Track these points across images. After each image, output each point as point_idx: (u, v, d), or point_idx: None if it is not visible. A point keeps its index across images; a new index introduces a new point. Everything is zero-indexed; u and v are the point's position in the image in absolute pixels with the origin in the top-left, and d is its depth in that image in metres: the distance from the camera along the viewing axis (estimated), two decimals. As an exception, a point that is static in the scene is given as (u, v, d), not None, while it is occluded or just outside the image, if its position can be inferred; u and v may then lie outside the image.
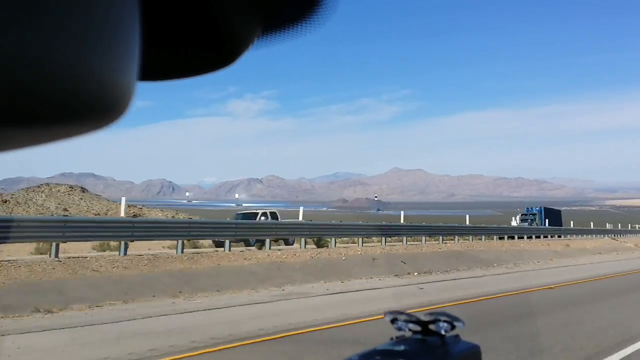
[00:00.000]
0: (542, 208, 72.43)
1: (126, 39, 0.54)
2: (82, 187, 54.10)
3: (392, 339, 1.32)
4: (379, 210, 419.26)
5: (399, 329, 1.37)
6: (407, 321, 1.36)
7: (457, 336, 1.34)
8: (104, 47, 0.51)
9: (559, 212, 77.38)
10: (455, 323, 1.32)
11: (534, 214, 68.96)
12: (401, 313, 1.38)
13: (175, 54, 0.73)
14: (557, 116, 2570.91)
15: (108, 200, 53.72)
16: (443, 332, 1.42)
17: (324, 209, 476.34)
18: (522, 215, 69.52)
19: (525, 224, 63.74)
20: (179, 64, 0.76)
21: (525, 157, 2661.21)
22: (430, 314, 1.35)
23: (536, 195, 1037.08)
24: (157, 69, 0.68)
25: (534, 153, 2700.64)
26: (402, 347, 1.33)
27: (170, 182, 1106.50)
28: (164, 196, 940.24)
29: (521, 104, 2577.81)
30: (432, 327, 1.31)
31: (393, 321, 1.38)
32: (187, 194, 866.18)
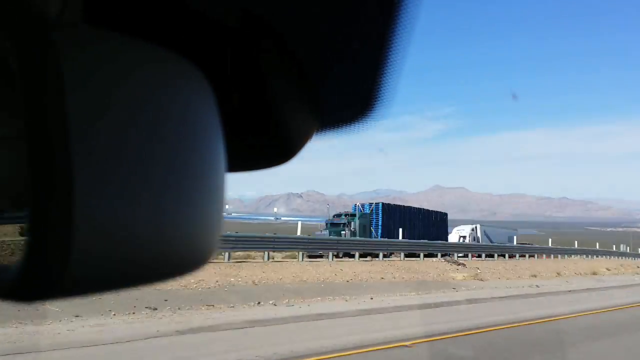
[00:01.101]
0: (380, 205, 47.79)
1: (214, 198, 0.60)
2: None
3: None
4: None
5: None
6: None
7: None
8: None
9: (431, 215, 55.04)
10: None
11: (353, 215, 43.85)
12: None
13: (243, 152, 0.76)
14: (605, 136, 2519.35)
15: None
16: None
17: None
18: (334, 217, 44.61)
19: (330, 234, 39.65)
20: (245, 159, 0.80)
21: (570, 177, 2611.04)
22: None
23: (581, 216, 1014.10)
24: (230, 163, 0.69)
25: (580, 173, 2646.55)
26: None
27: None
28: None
29: (568, 123, 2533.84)
30: None
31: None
32: (227, 206, 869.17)
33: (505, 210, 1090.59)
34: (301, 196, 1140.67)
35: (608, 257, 64.35)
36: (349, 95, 0.85)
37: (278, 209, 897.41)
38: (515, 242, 58.10)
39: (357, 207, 47.24)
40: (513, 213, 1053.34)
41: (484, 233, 57.65)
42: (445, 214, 57.39)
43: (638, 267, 48.91)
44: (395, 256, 35.71)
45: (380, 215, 46.96)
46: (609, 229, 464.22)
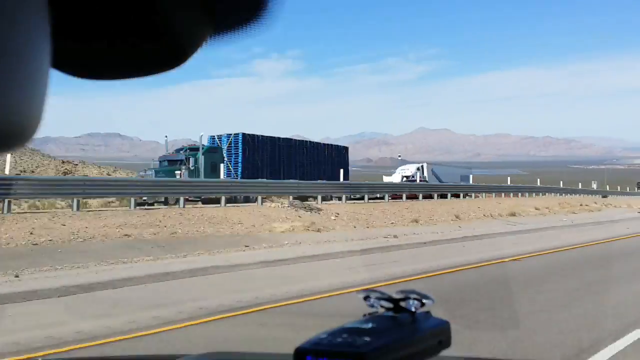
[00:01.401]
0: (241, 136, 40.40)
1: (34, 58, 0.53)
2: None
3: (364, 315, 1.44)
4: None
5: (372, 306, 1.48)
6: (379, 298, 1.47)
7: (427, 312, 1.45)
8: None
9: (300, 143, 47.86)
10: (425, 300, 1.45)
11: (196, 150, 35.52)
12: (373, 291, 1.45)
13: (115, 50, 0.70)
14: (588, 74, 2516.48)
15: (42, 156, 52.03)
16: (413, 309, 1.41)
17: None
18: (174, 153, 38.09)
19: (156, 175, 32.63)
20: (121, 60, 0.72)
21: (554, 116, 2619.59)
22: (402, 291, 1.45)
23: (564, 154, 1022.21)
24: (93, 65, 0.68)
25: (563, 112, 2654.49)
26: (370, 325, 1.33)
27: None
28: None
29: (551, 62, 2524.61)
30: (402, 304, 1.44)
31: (366, 298, 1.48)
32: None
33: (489, 151, 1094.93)
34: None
35: (565, 194, 64.80)
36: None
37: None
38: (470, 182, 57.09)
39: (212, 140, 40.44)
40: (497, 153, 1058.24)
41: (433, 172, 55.86)
42: (345, 148, 52.26)
43: (581, 204, 45.30)
44: (273, 200, 29.29)
45: (240, 150, 39.72)
46: (591, 167, 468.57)
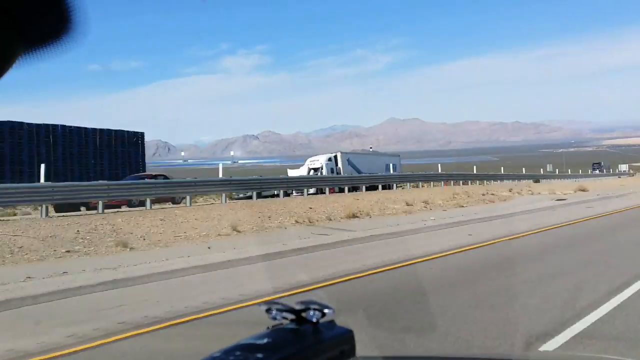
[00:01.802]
0: None
1: None
2: None
3: (267, 328, 1.50)
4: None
5: (274, 318, 1.50)
6: (280, 310, 1.50)
7: (331, 322, 1.48)
8: None
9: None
10: (326, 310, 1.48)
11: None
12: (275, 303, 1.48)
13: None
14: (553, 58, 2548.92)
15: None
16: (315, 320, 1.49)
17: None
18: None
19: None
20: None
21: (522, 100, 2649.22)
22: (302, 302, 1.48)
23: (533, 139, 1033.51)
24: None
25: (531, 96, 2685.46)
26: (267, 340, 1.35)
27: (166, 142, 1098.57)
28: (159, 157, 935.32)
29: (517, 48, 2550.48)
30: (304, 315, 1.51)
31: (268, 311, 1.51)
32: (183, 153, 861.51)
33: (459, 139, 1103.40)
34: (257, 137, 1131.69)
35: (497, 180, 64.94)
36: (44, 9, 0.83)
37: (234, 152, 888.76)
38: (398, 171, 55.55)
39: None
40: (468, 140, 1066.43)
41: (349, 163, 51.84)
42: (137, 135, 46.47)
43: (485, 194, 38.05)
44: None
45: None
46: (560, 150, 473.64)
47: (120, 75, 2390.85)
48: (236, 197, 33.87)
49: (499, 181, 64.70)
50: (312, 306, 1.50)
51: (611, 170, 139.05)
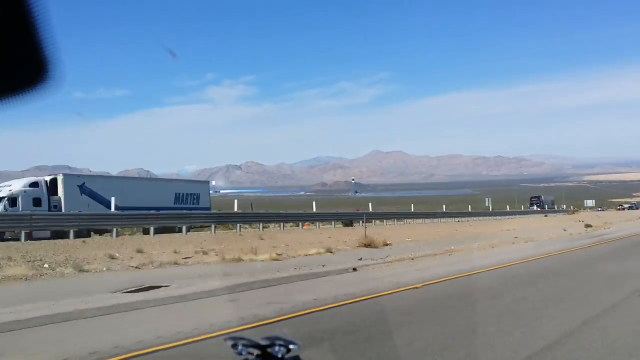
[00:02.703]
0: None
1: None
2: None
3: None
4: (356, 192, 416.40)
5: (239, 353, 1.54)
6: (246, 345, 1.53)
7: (296, 357, 1.52)
8: None
9: None
10: (291, 346, 1.52)
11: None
12: (241, 338, 1.51)
13: None
14: (536, 94, 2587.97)
15: None
16: (280, 356, 1.51)
17: (302, 193, 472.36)
18: None
19: None
20: None
21: (504, 135, 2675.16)
22: (267, 338, 1.52)
23: (515, 174, 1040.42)
24: None
25: (513, 132, 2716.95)
26: None
27: (148, 171, 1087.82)
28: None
29: (499, 84, 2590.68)
30: (270, 350, 1.53)
31: (234, 346, 1.54)
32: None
33: (442, 172, 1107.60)
34: (240, 167, 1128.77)
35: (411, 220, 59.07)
36: (16, 60, 0.88)
37: (217, 181, 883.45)
38: (204, 204, 44.09)
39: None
40: (450, 174, 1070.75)
41: (82, 191, 36.80)
42: None
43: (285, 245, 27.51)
44: None
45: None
46: (541, 185, 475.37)
47: (105, 104, 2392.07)
48: None
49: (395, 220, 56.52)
50: (278, 342, 1.51)
51: (555, 206, 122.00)
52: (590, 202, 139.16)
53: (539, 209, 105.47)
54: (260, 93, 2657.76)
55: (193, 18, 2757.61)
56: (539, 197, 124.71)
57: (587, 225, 49.38)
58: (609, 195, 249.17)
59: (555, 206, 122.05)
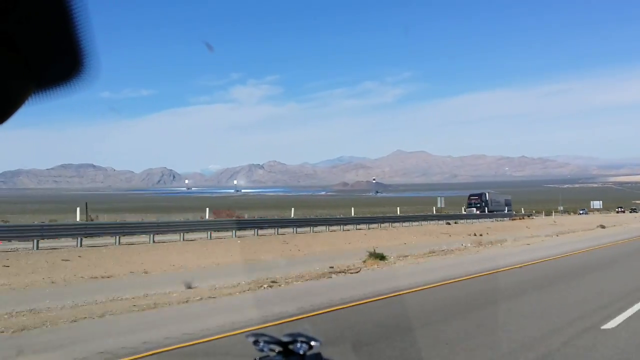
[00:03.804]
0: None
1: None
2: None
3: (255, 359, 1.56)
4: (377, 192, 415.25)
5: (261, 350, 1.54)
6: (268, 342, 1.53)
7: (318, 354, 1.52)
8: None
9: None
10: (313, 343, 1.52)
11: None
12: (262, 335, 1.51)
13: None
14: (562, 94, 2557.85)
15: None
16: (302, 352, 1.51)
17: (323, 193, 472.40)
18: None
19: None
20: None
21: (529, 136, 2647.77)
22: (290, 334, 1.52)
23: (539, 174, 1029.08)
24: None
25: (538, 132, 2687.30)
26: None
27: (171, 170, 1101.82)
28: (164, 185, 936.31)
29: (525, 84, 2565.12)
30: (291, 347, 1.54)
31: (255, 342, 1.54)
32: (187, 181, 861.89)
33: (465, 172, 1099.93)
34: (263, 167, 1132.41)
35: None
36: (55, 53, 0.91)
37: (239, 181, 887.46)
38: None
39: None
40: (474, 174, 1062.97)
41: None
42: None
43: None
44: None
45: None
46: (565, 186, 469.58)
47: (131, 103, 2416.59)
48: None
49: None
50: (300, 338, 1.54)
51: (511, 208, 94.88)
52: (597, 203, 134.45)
53: (478, 212, 79.17)
54: (285, 92, 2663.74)
55: (219, 19, 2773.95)
56: (480, 195, 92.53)
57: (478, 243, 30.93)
58: (633, 197, 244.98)
59: (513, 209, 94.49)
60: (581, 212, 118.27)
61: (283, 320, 10.00)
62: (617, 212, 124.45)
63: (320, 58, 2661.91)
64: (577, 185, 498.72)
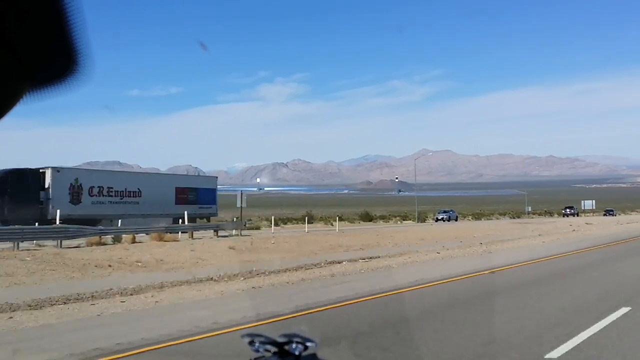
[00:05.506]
0: None
1: None
2: None
3: None
4: (400, 191, 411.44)
5: (257, 350, 1.53)
6: (263, 343, 1.52)
7: (313, 355, 1.51)
8: None
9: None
10: (308, 344, 1.51)
11: None
12: (258, 335, 1.50)
13: None
14: (590, 92, 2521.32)
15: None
16: (297, 353, 1.51)
17: (346, 191, 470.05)
18: None
19: None
20: None
21: (557, 135, 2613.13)
22: (285, 335, 1.50)
23: (567, 174, 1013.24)
24: None
25: (567, 131, 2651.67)
26: None
27: (196, 167, 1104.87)
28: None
29: (554, 82, 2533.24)
30: (287, 348, 1.54)
31: (251, 343, 1.53)
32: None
33: (492, 172, 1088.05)
34: (287, 165, 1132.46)
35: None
36: (49, 53, 0.91)
37: (262, 179, 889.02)
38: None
39: None
40: (500, 174, 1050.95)
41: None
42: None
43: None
44: None
45: None
46: (593, 186, 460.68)
47: (160, 101, 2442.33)
48: None
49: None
50: (295, 339, 1.53)
51: (457, 216, 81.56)
52: (589, 203, 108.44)
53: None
54: (312, 91, 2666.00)
55: (247, 18, 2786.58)
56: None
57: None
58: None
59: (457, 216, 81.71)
60: (568, 211, 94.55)
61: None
62: (564, 214, 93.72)
63: (348, 56, 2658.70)
64: (605, 186, 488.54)
